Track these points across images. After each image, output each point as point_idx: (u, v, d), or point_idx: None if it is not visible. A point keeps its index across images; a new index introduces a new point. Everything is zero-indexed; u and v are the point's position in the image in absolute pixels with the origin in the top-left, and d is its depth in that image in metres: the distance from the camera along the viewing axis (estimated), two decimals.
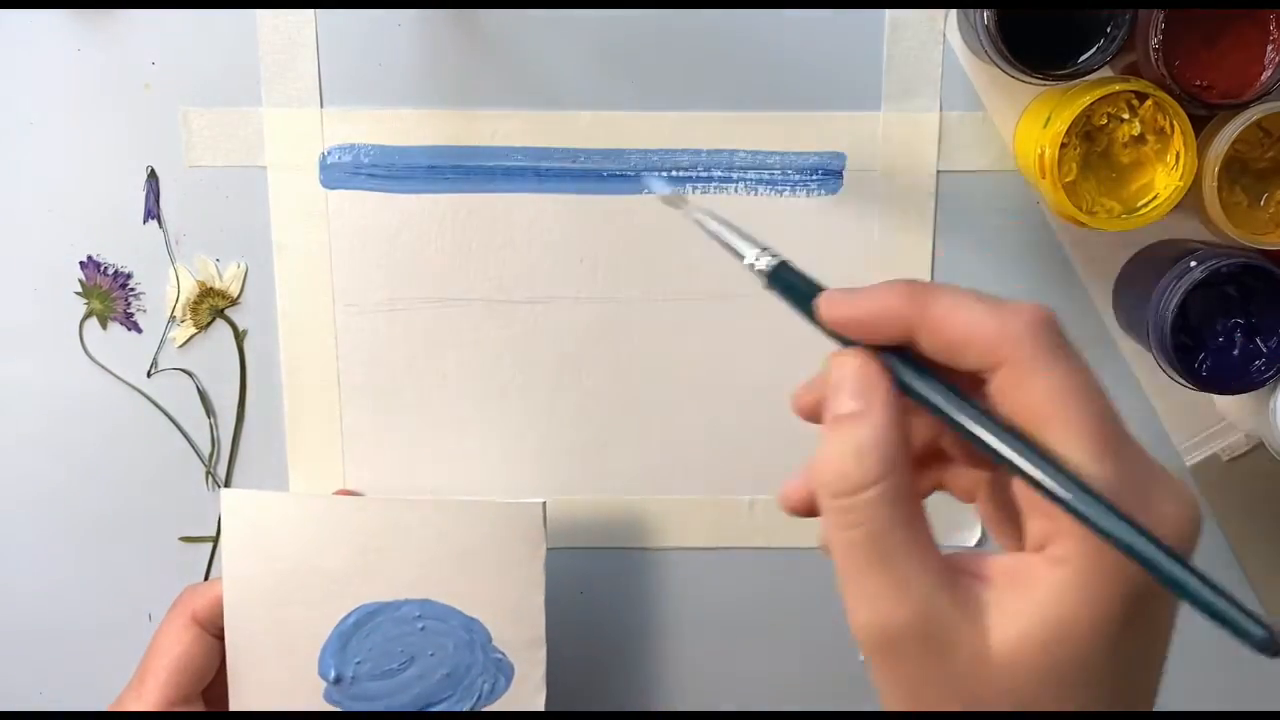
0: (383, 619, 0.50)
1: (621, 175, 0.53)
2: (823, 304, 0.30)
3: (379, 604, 0.50)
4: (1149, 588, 0.26)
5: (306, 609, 0.50)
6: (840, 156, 0.53)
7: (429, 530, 0.50)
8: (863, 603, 0.28)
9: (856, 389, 0.29)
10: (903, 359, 0.29)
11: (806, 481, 0.31)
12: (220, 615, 0.50)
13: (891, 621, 0.28)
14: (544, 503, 0.50)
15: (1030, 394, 0.27)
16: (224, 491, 0.50)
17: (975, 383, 0.29)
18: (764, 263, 0.32)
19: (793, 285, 0.32)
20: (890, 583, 0.28)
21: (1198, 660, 0.57)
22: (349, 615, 0.50)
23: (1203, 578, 0.25)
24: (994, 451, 0.28)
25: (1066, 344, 0.28)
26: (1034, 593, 0.27)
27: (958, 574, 0.28)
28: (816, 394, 0.31)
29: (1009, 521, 0.30)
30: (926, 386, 0.29)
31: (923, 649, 0.28)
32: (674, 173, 0.53)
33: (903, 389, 0.29)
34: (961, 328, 0.28)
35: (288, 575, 0.49)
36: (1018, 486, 0.28)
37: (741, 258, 0.33)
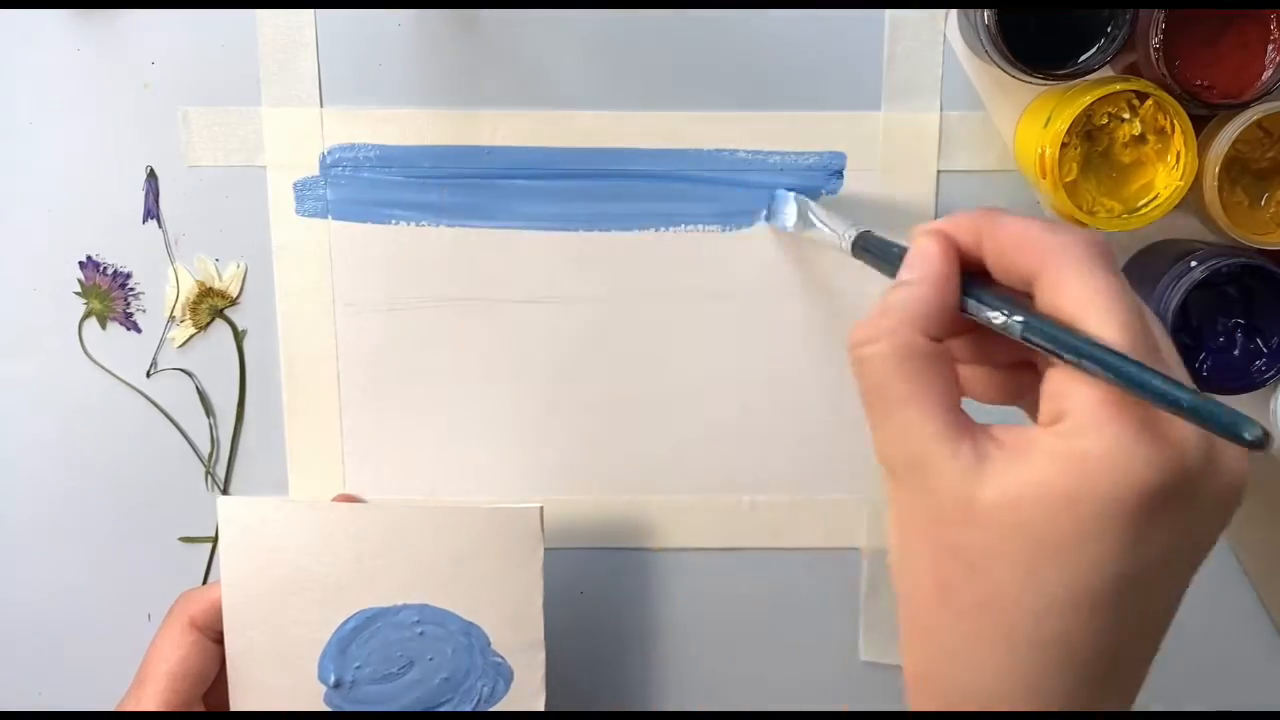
0: (381, 624, 0.50)
1: (621, 175, 0.53)
2: (916, 230, 0.34)
3: (377, 609, 0.50)
4: (1134, 499, 0.28)
5: (305, 614, 0.50)
6: (840, 156, 0.53)
7: (426, 536, 0.50)
8: (874, 437, 0.32)
9: (911, 262, 0.33)
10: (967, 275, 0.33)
11: None
12: (217, 619, 0.50)
13: (887, 459, 0.32)
14: (541, 507, 0.50)
15: (1070, 293, 0.30)
16: (220, 499, 0.50)
17: (1023, 296, 0.32)
18: (850, 235, 0.42)
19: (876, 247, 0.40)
20: (888, 427, 0.31)
21: (1199, 660, 0.57)
22: (348, 620, 0.50)
23: (1197, 392, 0.28)
24: (1035, 331, 0.30)
25: (1110, 261, 0.31)
26: (1031, 457, 0.29)
27: (971, 432, 0.31)
28: None
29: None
30: (983, 290, 0.32)
31: (913, 487, 0.31)
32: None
33: (965, 292, 0.32)
34: (1021, 233, 0.31)
35: (286, 582, 0.49)
36: (1047, 374, 0.30)
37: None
